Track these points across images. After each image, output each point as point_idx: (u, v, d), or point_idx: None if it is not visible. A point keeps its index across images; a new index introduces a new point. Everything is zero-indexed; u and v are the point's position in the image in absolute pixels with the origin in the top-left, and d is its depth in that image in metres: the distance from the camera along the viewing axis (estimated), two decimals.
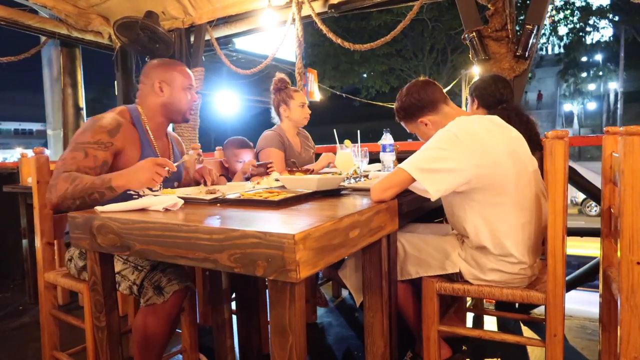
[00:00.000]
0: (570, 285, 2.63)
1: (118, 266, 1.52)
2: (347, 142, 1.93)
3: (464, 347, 1.99)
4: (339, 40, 3.49)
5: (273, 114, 2.63)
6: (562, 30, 19.82)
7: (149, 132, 1.68)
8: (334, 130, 2.04)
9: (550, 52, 22.91)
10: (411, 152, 1.48)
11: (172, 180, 1.78)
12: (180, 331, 1.76)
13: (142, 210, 1.28)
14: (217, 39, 4.18)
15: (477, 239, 1.45)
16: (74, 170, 1.43)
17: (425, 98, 1.54)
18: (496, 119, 1.53)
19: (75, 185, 1.36)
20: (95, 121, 1.55)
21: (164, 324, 1.45)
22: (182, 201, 1.33)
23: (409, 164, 1.37)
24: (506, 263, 1.44)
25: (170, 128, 1.91)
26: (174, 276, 1.48)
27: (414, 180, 1.36)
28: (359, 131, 2.02)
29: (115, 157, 1.55)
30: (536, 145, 1.86)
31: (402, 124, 1.65)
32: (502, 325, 2.38)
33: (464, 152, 1.35)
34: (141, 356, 1.46)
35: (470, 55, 2.71)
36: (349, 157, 1.84)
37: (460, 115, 1.53)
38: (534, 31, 2.49)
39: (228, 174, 2.44)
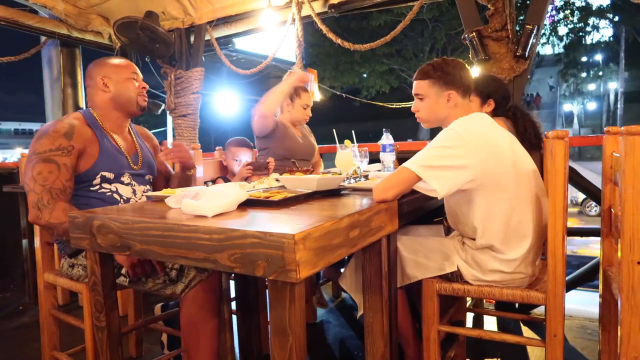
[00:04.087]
0: (570, 285, 2.63)
1: None
2: (347, 142, 1.93)
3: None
4: (339, 40, 3.49)
5: None
6: (562, 30, 19.81)
7: (106, 130, 1.71)
8: (334, 130, 2.04)
9: (546, 52, 22.89)
10: (411, 152, 1.48)
11: (144, 174, 1.80)
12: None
13: (142, 209, 1.28)
14: (217, 39, 4.17)
15: (485, 237, 1.45)
16: (60, 188, 1.50)
17: (469, 81, 1.54)
18: (488, 116, 1.55)
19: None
20: (50, 126, 1.59)
21: (214, 298, 1.48)
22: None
23: (412, 163, 1.37)
24: (507, 262, 1.44)
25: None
26: None
27: (418, 179, 1.36)
28: (353, 132, 2.02)
29: (77, 158, 1.59)
30: (540, 145, 1.87)
31: (425, 81, 1.53)
32: (502, 325, 2.37)
33: (469, 148, 1.36)
34: (200, 346, 1.45)
35: (470, 55, 2.71)
36: (349, 157, 1.84)
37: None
38: (534, 31, 2.49)
39: (227, 174, 2.43)
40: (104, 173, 1.64)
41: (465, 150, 1.36)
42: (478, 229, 1.45)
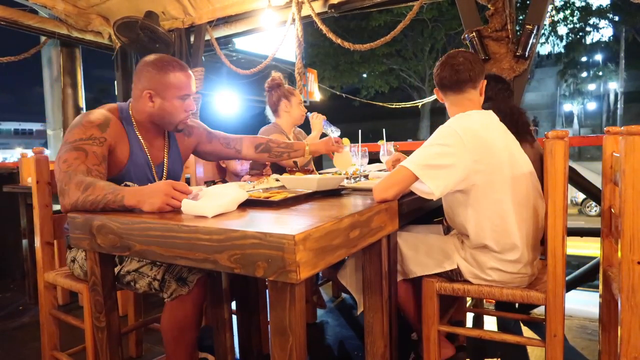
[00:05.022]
0: (570, 285, 2.63)
1: (134, 264, 1.50)
2: (345, 140, 1.93)
3: (464, 344, 1.99)
4: (339, 40, 3.49)
5: (267, 111, 2.62)
6: (562, 30, 19.80)
7: (138, 131, 1.59)
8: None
9: (545, 52, 22.84)
10: (411, 152, 1.48)
11: (171, 178, 1.72)
12: None
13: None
14: (217, 39, 4.18)
15: (478, 237, 1.45)
16: (84, 170, 1.37)
17: (455, 78, 1.51)
18: (491, 114, 1.54)
19: (86, 196, 1.29)
20: (84, 117, 1.49)
21: (193, 314, 1.44)
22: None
23: (409, 162, 1.38)
24: (506, 262, 1.44)
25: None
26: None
27: (416, 178, 1.36)
28: (360, 131, 2.02)
29: (109, 152, 1.49)
30: (525, 134, 1.83)
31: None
32: (502, 325, 2.37)
33: (463, 147, 1.37)
34: (176, 354, 1.44)
35: None
36: (347, 157, 1.84)
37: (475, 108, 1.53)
38: (534, 31, 2.49)
39: (225, 175, 2.43)
40: (128, 183, 1.54)
41: (459, 148, 1.37)
42: (471, 228, 1.46)
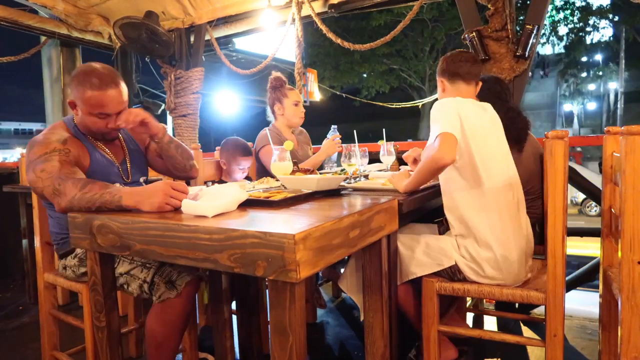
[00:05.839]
0: (570, 285, 2.63)
1: (125, 266, 1.51)
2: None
3: (465, 349, 1.99)
4: (338, 40, 3.49)
5: (268, 112, 2.63)
6: (562, 30, 19.78)
7: (90, 137, 1.61)
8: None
9: (547, 52, 22.85)
10: None
11: (137, 182, 1.72)
12: None
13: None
14: (217, 39, 4.18)
15: (464, 217, 1.51)
16: (68, 173, 1.39)
17: (449, 69, 1.67)
18: (488, 107, 1.63)
19: (83, 193, 1.30)
20: (38, 137, 1.50)
21: (180, 318, 1.44)
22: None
23: (444, 128, 1.42)
24: (497, 254, 1.46)
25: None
26: (184, 267, 1.46)
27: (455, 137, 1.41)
28: (355, 131, 2.03)
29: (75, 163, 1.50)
30: (518, 139, 1.87)
31: None
32: (502, 325, 2.37)
33: (458, 118, 1.47)
34: (157, 355, 1.44)
35: None
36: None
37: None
38: (534, 31, 2.49)
39: (222, 175, 2.43)
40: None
41: (456, 117, 1.46)
42: (459, 208, 1.51)
